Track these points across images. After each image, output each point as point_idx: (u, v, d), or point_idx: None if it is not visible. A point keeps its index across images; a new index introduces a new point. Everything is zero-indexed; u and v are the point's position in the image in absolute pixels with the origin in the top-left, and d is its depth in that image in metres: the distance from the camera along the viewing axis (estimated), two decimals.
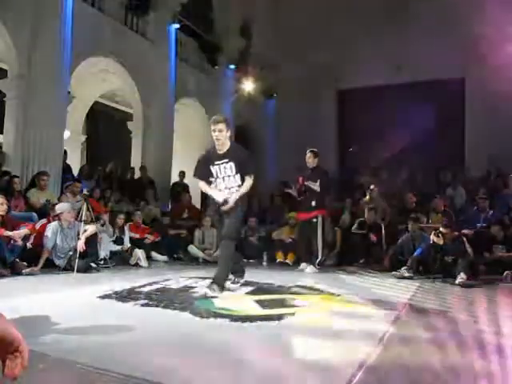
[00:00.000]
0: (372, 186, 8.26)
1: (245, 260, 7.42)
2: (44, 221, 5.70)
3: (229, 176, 3.88)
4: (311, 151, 6.40)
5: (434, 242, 5.37)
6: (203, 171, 3.97)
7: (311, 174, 6.31)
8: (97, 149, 11.30)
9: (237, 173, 3.86)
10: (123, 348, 2.12)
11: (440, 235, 5.31)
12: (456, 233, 5.55)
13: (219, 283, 3.74)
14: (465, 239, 5.54)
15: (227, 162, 3.86)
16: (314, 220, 6.16)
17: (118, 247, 6.42)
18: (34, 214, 5.92)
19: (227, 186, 3.90)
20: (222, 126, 3.78)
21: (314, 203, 6.16)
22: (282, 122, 14.37)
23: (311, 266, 6.05)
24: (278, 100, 15.18)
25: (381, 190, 8.28)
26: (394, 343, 2.42)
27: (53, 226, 5.30)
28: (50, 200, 6.32)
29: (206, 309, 3.21)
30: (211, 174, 3.92)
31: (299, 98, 14.31)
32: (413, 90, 12.56)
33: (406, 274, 5.41)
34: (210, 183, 3.95)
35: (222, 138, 3.80)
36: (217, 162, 3.88)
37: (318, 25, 13.76)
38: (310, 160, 6.34)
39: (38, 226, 5.56)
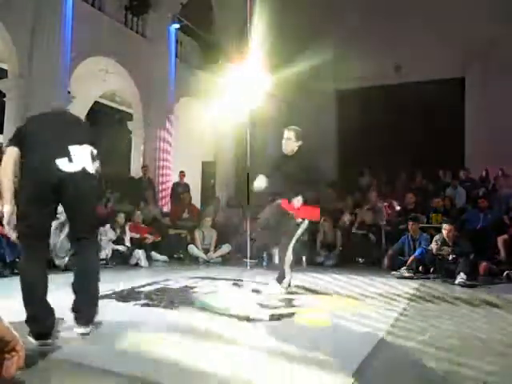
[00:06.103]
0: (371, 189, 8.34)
1: (245, 260, 7.47)
2: None
3: None
4: None
5: (443, 238, 5.39)
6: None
7: None
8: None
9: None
10: (123, 348, 2.12)
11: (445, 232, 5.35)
12: (457, 232, 5.56)
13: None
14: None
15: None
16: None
17: (117, 247, 6.40)
18: None
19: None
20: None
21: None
22: (282, 121, 14.34)
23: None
24: (277, 100, 15.16)
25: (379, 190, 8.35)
26: (394, 343, 2.42)
27: (53, 226, 5.27)
28: None
29: (206, 309, 3.21)
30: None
31: (299, 98, 14.30)
32: (412, 90, 12.55)
33: (406, 274, 5.41)
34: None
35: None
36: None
37: (317, 24, 13.76)
38: None
39: None
